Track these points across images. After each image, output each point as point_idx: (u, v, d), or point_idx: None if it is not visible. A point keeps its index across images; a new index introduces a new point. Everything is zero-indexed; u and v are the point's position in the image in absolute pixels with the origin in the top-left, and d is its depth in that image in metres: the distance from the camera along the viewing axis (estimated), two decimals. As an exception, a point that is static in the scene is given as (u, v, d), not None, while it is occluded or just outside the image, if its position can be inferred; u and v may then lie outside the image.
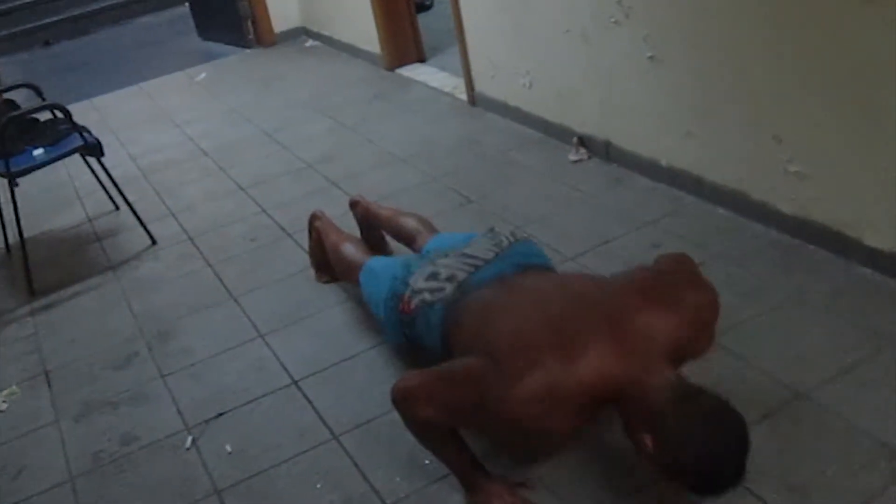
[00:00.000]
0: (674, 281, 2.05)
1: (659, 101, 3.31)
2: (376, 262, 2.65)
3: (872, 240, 2.65)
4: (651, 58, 3.22)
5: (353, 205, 3.21)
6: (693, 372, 2.28)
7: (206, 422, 2.54)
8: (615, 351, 1.82)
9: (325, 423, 2.44)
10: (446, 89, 4.93)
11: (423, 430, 2.02)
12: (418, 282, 2.30)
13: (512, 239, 2.39)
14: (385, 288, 2.42)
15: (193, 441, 2.47)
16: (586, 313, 1.92)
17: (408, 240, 2.90)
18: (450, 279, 2.24)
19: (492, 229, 2.47)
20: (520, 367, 1.80)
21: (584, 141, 3.80)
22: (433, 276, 2.28)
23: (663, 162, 3.39)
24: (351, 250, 2.85)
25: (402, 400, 2.00)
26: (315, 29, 6.46)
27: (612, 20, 3.33)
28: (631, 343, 1.84)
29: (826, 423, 2.14)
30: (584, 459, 2.16)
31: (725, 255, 2.86)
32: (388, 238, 3.11)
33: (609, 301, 1.96)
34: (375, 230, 3.14)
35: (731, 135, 3.03)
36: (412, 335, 2.34)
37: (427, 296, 2.25)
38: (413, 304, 2.28)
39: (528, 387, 1.77)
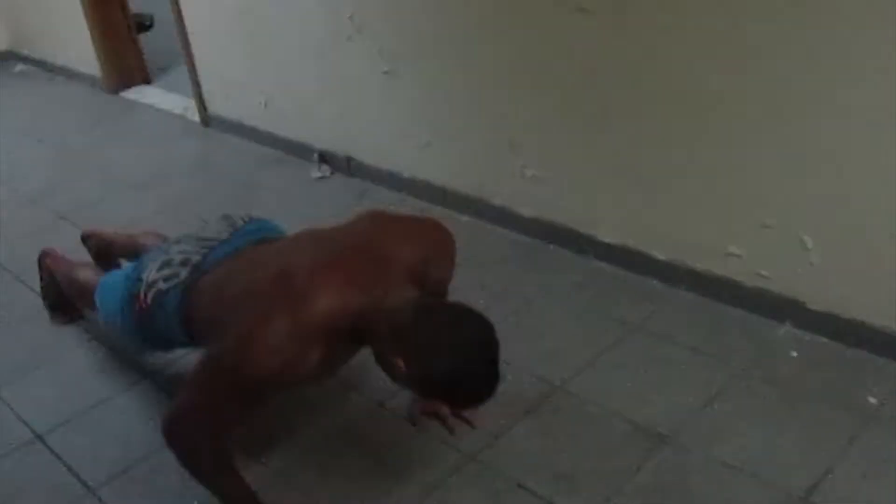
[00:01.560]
0: (408, 216, 2.12)
1: (396, 114, 3.37)
2: (109, 276, 2.48)
3: (605, 235, 2.85)
4: (386, 72, 3.27)
5: (86, 238, 2.99)
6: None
7: (-63, 493, 2.27)
8: (348, 281, 1.80)
9: (78, 477, 2.25)
10: (177, 111, 4.74)
11: (201, 461, 1.90)
12: (151, 273, 2.17)
13: (246, 218, 2.32)
14: (119, 295, 2.27)
15: (-77, 517, 2.20)
16: (312, 252, 1.91)
17: None
18: (184, 263, 2.14)
19: (225, 215, 2.37)
20: (252, 323, 1.75)
21: (325, 157, 3.80)
22: (166, 263, 2.16)
23: (405, 174, 3.46)
24: (85, 274, 2.66)
25: (171, 431, 1.87)
26: (25, 52, 5.98)
27: (346, 36, 3.35)
28: (366, 271, 1.82)
29: (583, 410, 2.27)
30: (361, 478, 2.15)
31: (473, 260, 2.93)
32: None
33: (343, 236, 1.97)
34: (112, 259, 2.94)
35: (468, 144, 3.15)
36: (153, 334, 2.21)
37: (162, 284, 2.12)
38: (149, 298, 2.14)
39: (267, 338, 1.72)
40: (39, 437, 2.40)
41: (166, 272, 2.13)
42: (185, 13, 4.17)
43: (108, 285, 2.38)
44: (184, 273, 2.10)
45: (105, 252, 2.90)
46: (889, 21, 2.00)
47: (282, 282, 1.82)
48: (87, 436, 2.40)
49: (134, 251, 2.75)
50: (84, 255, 2.96)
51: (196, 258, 2.13)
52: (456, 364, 1.70)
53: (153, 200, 3.76)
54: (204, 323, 2.01)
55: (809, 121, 2.24)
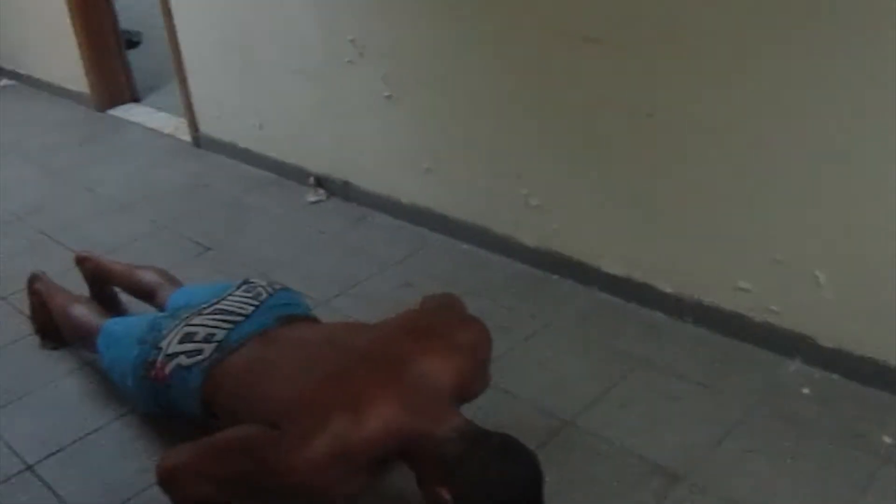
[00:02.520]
0: (446, 323, 2.03)
1: (397, 140, 3.33)
2: (115, 325, 2.42)
3: (609, 267, 2.81)
4: (388, 97, 3.23)
5: (81, 261, 2.92)
6: (463, 410, 2.30)
7: (-78, 526, 2.17)
8: (401, 404, 1.75)
9: (71, 510, 2.18)
10: (166, 130, 4.67)
11: None
12: (172, 345, 2.11)
13: (270, 290, 2.27)
14: (131, 354, 2.21)
15: None
16: (365, 367, 1.84)
17: (147, 295, 2.68)
18: (207, 339, 2.08)
19: (247, 281, 2.34)
20: (305, 431, 1.69)
21: (321, 181, 3.75)
22: (188, 337, 2.11)
23: (404, 200, 3.41)
24: (83, 313, 2.59)
25: (170, 480, 1.81)
26: (8, 66, 5.88)
27: (347, 60, 3.31)
28: (416, 394, 1.78)
29: (594, 447, 2.22)
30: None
31: (475, 290, 2.89)
32: (122, 295, 2.88)
33: (386, 352, 1.89)
34: (107, 288, 2.88)
35: (471, 171, 3.11)
36: (167, 403, 2.15)
37: (184, 359, 2.07)
38: (168, 370, 2.09)
39: (316, 451, 1.66)
40: (30, 468, 2.32)
41: (189, 347, 2.08)
42: (178, 31, 4.12)
43: (116, 338, 2.33)
44: (208, 350, 2.05)
45: (101, 279, 2.84)
46: (911, 58, 1.99)
47: (341, 396, 1.75)
48: (79, 466, 2.32)
49: (134, 285, 2.71)
50: (74, 279, 2.90)
51: (220, 335, 2.08)
52: (505, 498, 1.67)
53: (142, 222, 3.68)
54: (230, 406, 1.96)
55: (823, 154, 2.22)
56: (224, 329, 2.10)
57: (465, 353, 1.94)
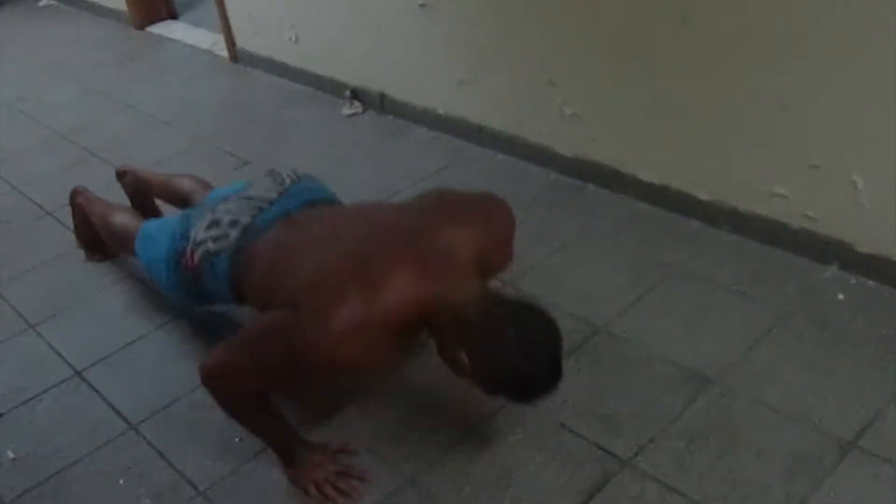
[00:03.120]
0: (467, 197, 2.04)
1: (432, 50, 3.30)
2: (151, 225, 2.46)
3: (646, 175, 2.79)
4: (422, 6, 3.19)
5: (121, 175, 2.97)
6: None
7: (-21, 428, 2.28)
8: (418, 272, 1.77)
9: (118, 413, 2.26)
10: (204, 46, 4.67)
11: (239, 406, 1.91)
12: (199, 232, 2.13)
13: (294, 177, 2.27)
14: (164, 248, 2.24)
15: (-33, 451, 2.22)
16: (383, 238, 1.86)
17: (185, 202, 2.71)
18: (233, 224, 2.10)
19: (272, 171, 2.33)
20: (324, 306, 1.72)
21: (357, 94, 3.74)
22: (215, 223, 2.12)
23: (440, 111, 3.39)
24: (123, 219, 2.63)
25: (212, 378, 1.87)
26: (48, -14, 5.91)
27: (380, -31, 3.27)
28: (434, 262, 1.80)
29: (626, 353, 2.24)
30: (403, 418, 2.14)
31: (511, 199, 2.79)
32: (163, 206, 2.93)
33: (406, 223, 1.91)
34: (148, 199, 2.93)
35: (505, 81, 3.08)
36: (199, 291, 2.19)
37: (211, 245, 2.09)
38: (196, 258, 2.12)
39: (335, 325, 1.69)
40: (79, 374, 2.41)
41: (216, 232, 2.09)
42: (212, -55, 4.09)
43: (151, 236, 2.37)
44: (233, 234, 2.07)
45: (142, 191, 2.88)
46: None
47: (357, 269, 1.77)
48: (125, 372, 2.41)
49: (172, 193, 2.74)
50: (116, 194, 2.95)
51: (245, 220, 2.09)
52: (519, 363, 1.69)
53: (183, 138, 3.72)
54: (258, 289, 1.99)
55: (860, 58, 2.16)
56: (249, 215, 2.11)
57: (484, 224, 1.95)
